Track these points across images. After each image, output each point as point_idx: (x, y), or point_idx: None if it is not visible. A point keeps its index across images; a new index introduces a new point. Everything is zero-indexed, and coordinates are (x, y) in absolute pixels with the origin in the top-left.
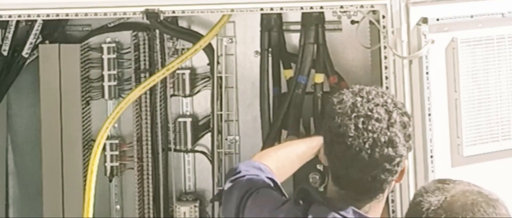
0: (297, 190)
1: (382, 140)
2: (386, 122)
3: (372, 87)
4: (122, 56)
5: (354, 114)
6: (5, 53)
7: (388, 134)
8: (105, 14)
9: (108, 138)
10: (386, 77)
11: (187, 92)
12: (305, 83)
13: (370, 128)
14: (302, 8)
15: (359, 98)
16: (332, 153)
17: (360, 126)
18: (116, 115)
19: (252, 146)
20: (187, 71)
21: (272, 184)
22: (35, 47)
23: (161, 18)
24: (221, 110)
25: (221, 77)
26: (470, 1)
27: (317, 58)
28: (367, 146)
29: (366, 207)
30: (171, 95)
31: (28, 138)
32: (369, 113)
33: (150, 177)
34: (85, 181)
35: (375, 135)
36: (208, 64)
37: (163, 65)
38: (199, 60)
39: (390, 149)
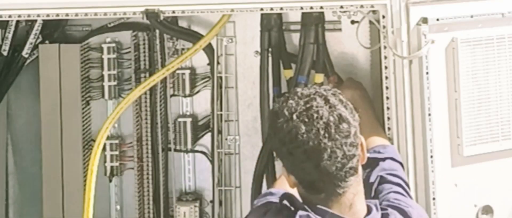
0: (280, 196)
1: (332, 119)
2: (327, 104)
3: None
4: (122, 56)
5: (295, 114)
6: (5, 53)
7: (335, 111)
8: (105, 14)
9: (108, 138)
10: (386, 77)
11: (187, 92)
12: (305, 83)
13: (316, 115)
14: (302, 8)
15: (291, 101)
16: (296, 164)
17: (306, 120)
18: (116, 115)
19: (252, 146)
20: (187, 71)
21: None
22: (35, 47)
23: (161, 18)
24: (221, 110)
25: (221, 77)
26: (470, 1)
27: (317, 58)
28: (322, 131)
29: (345, 190)
30: (171, 95)
31: (28, 138)
32: (307, 106)
33: (150, 177)
34: (85, 181)
35: (324, 119)
36: (208, 64)
37: (163, 65)
38: (199, 60)
39: (343, 124)
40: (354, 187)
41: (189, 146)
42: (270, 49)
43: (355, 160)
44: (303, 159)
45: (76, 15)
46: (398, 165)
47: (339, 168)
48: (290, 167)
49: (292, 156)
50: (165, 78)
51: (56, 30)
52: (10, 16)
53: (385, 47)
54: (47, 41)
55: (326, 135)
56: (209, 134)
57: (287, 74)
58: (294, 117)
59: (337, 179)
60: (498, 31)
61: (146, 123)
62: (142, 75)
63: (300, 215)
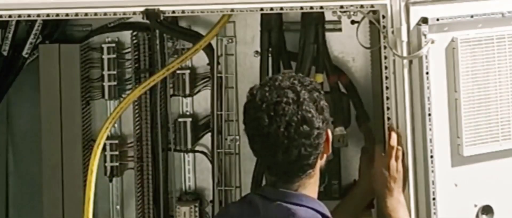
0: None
1: (295, 119)
2: (295, 102)
3: (281, 73)
4: (122, 56)
5: (264, 104)
6: (5, 53)
7: (300, 113)
8: (105, 14)
9: (108, 138)
10: (386, 77)
11: (187, 92)
12: None
13: (281, 112)
14: (302, 8)
15: (266, 89)
16: (256, 146)
17: (272, 113)
18: (116, 115)
19: None
20: (187, 71)
21: None
22: (35, 47)
23: (161, 18)
24: (221, 110)
25: (221, 77)
26: (470, 1)
27: (317, 58)
28: (282, 129)
29: (295, 186)
30: (171, 95)
31: (28, 138)
32: (278, 99)
33: (150, 177)
34: (85, 181)
35: (287, 117)
36: (208, 64)
37: (163, 65)
38: (199, 60)
39: (304, 126)
40: (305, 180)
41: (189, 146)
42: (270, 49)
43: (312, 158)
44: (261, 146)
45: (76, 15)
46: None
47: (292, 162)
48: (251, 145)
49: (253, 140)
50: (165, 78)
51: (56, 30)
52: (10, 16)
53: (385, 47)
54: (47, 41)
55: (285, 134)
56: (209, 134)
57: None
58: (263, 106)
59: (289, 172)
60: (498, 31)
61: (146, 123)
62: (142, 75)
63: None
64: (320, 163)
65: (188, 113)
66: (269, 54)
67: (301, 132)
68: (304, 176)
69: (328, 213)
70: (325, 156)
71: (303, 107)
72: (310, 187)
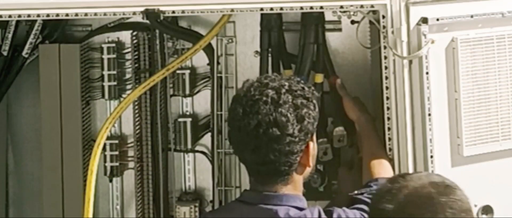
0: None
1: (267, 120)
2: (273, 104)
3: (277, 73)
4: (122, 56)
5: (245, 98)
6: (5, 53)
7: (274, 114)
8: (105, 14)
9: (108, 138)
10: (386, 77)
11: (187, 92)
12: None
13: (255, 110)
14: (302, 8)
15: (256, 84)
16: (230, 138)
17: (247, 109)
18: (116, 115)
19: None
20: (187, 71)
21: None
22: (35, 47)
23: (161, 18)
24: (221, 110)
25: (221, 77)
26: (470, 1)
27: (317, 58)
28: (251, 127)
29: (273, 188)
30: (171, 95)
31: (28, 138)
32: (259, 96)
33: (150, 177)
34: (85, 181)
35: (260, 116)
36: (208, 64)
37: (163, 65)
38: (199, 60)
39: (275, 129)
40: (281, 185)
41: (189, 146)
42: (270, 49)
43: (284, 167)
44: (233, 140)
45: (76, 15)
46: None
47: (261, 163)
48: (228, 136)
49: (229, 131)
50: (165, 78)
51: (56, 30)
52: (10, 16)
53: (385, 47)
54: (47, 41)
55: (254, 132)
56: (209, 134)
57: (287, 74)
58: (243, 100)
59: (262, 173)
60: (498, 31)
61: (146, 123)
62: (142, 75)
63: None
64: (300, 175)
65: (188, 113)
66: (269, 54)
67: (270, 134)
68: (280, 181)
69: (311, 209)
70: (307, 169)
71: (279, 110)
72: (289, 189)
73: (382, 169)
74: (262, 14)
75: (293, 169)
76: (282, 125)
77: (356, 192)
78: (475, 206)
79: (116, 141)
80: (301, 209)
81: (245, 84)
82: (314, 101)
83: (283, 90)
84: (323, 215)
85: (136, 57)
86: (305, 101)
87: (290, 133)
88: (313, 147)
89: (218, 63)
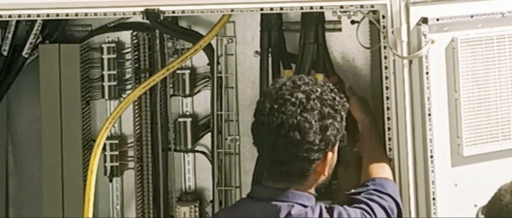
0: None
1: (290, 122)
2: (301, 107)
3: (314, 78)
4: (122, 56)
5: (275, 96)
6: (5, 53)
7: (298, 118)
8: (105, 14)
9: (108, 138)
10: (386, 77)
11: (187, 92)
12: None
13: (283, 109)
14: (302, 8)
15: (289, 83)
16: (253, 130)
17: (275, 106)
18: (116, 115)
19: (252, 146)
20: (187, 71)
21: None
22: (35, 47)
23: (161, 18)
24: (221, 110)
25: (221, 77)
26: (470, 1)
27: (317, 58)
28: (274, 125)
29: (282, 185)
30: (171, 95)
31: (28, 138)
32: (288, 97)
33: (150, 177)
34: (85, 181)
35: (284, 117)
36: (208, 64)
37: (163, 65)
38: (199, 60)
39: (296, 133)
40: (292, 186)
41: (189, 146)
42: (270, 49)
43: (298, 170)
44: (255, 132)
45: (76, 15)
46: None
47: (276, 162)
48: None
49: (254, 122)
50: (165, 78)
51: (56, 30)
52: (10, 16)
53: (385, 47)
54: (47, 41)
55: (275, 131)
56: (209, 134)
57: (287, 74)
58: (274, 96)
59: (276, 171)
60: (498, 31)
61: (146, 123)
62: (142, 75)
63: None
64: (314, 181)
65: (188, 113)
66: (269, 54)
67: (290, 137)
68: (291, 182)
69: (313, 207)
70: (322, 177)
71: (305, 115)
72: (298, 188)
73: (381, 170)
74: (262, 14)
75: (307, 174)
76: (304, 130)
77: (353, 190)
78: (475, 206)
79: (116, 141)
80: (305, 206)
81: (279, 81)
82: (343, 113)
83: (313, 96)
84: (324, 213)
85: (136, 57)
86: (332, 112)
87: (311, 140)
88: (331, 157)
89: (218, 63)
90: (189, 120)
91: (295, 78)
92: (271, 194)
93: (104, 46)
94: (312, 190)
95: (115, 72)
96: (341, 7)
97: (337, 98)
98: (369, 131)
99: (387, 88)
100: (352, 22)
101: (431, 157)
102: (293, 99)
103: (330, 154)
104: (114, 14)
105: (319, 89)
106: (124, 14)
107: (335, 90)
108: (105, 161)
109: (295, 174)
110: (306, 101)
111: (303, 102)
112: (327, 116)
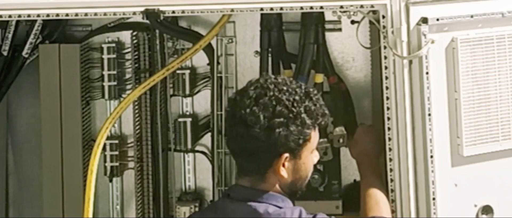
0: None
1: (240, 113)
2: (253, 102)
3: (293, 80)
4: (122, 56)
5: (243, 90)
6: (5, 53)
7: (247, 111)
8: (105, 14)
9: (108, 138)
10: (386, 77)
11: (187, 92)
12: (305, 83)
13: (239, 102)
14: (302, 8)
15: (262, 80)
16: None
17: (237, 98)
18: (116, 115)
19: None
20: (187, 71)
21: None
22: (35, 47)
23: (161, 18)
24: (221, 110)
25: (221, 77)
26: (470, 1)
27: (317, 58)
28: (229, 115)
29: (254, 185)
30: (171, 95)
31: (28, 138)
32: (249, 91)
33: (150, 177)
34: (85, 181)
35: (237, 109)
36: (208, 64)
37: (163, 65)
38: (199, 60)
39: (242, 125)
40: (258, 181)
41: (189, 146)
42: (270, 49)
43: (253, 165)
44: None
45: (76, 15)
46: None
47: (233, 153)
48: None
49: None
50: (165, 78)
51: (56, 30)
52: (10, 16)
53: (385, 47)
54: (47, 41)
55: (228, 121)
56: (209, 134)
57: (287, 74)
58: (241, 92)
59: (242, 165)
60: (498, 31)
61: (146, 123)
62: (142, 75)
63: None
64: (275, 181)
65: (188, 113)
66: (269, 54)
67: (237, 129)
68: (255, 177)
69: (292, 208)
70: (283, 180)
71: (254, 109)
72: (271, 188)
73: (377, 208)
74: (262, 14)
75: (265, 173)
76: (250, 123)
77: None
78: (475, 206)
79: (116, 141)
80: (279, 207)
81: (261, 77)
82: (308, 122)
83: (270, 94)
84: (304, 213)
85: (136, 57)
86: (287, 112)
87: (255, 135)
88: (289, 160)
89: (218, 63)
90: (189, 120)
91: (268, 76)
92: (246, 194)
93: (104, 46)
94: (287, 191)
95: (115, 72)
96: (341, 7)
97: (300, 97)
98: (370, 164)
99: (387, 88)
100: (352, 22)
101: (431, 157)
102: (250, 93)
103: (285, 156)
104: (114, 14)
105: (284, 89)
106: (124, 14)
107: (314, 97)
108: (105, 161)
109: (252, 170)
110: (260, 97)
111: (257, 97)
112: (279, 115)
